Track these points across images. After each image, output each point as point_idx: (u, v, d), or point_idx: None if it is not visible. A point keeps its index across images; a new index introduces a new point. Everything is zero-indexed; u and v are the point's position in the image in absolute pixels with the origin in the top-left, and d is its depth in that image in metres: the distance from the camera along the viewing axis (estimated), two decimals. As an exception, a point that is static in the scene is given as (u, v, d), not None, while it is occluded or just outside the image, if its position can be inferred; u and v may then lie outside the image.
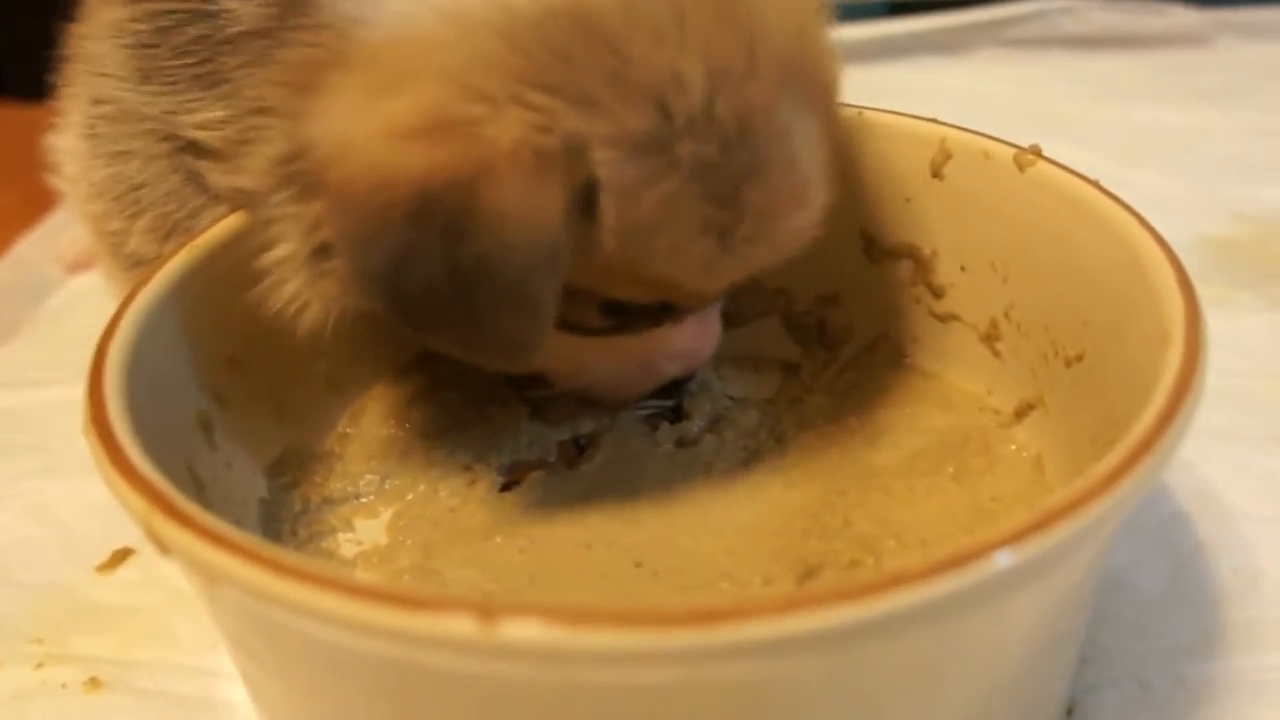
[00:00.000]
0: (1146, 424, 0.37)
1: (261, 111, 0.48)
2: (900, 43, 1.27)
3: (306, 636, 0.34)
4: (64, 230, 1.03)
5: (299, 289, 0.48)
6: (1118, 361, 0.47)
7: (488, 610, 0.29)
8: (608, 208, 0.42)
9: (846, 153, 0.58)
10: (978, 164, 0.56)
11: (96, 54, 0.59)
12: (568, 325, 0.49)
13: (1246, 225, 0.88)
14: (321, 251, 0.46)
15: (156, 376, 0.47)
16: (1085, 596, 0.43)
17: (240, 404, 0.53)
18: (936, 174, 0.57)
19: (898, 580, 0.31)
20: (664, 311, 0.50)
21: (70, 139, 0.63)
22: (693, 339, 0.53)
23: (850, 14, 1.27)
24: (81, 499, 0.67)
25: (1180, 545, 0.57)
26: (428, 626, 0.30)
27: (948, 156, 0.57)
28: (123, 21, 0.56)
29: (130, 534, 0.62)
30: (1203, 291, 0.45)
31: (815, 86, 0.46)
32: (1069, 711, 0.48)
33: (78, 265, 0.97)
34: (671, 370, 0.55)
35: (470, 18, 0.42)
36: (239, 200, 0.52)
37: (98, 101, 0.59)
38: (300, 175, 0.46)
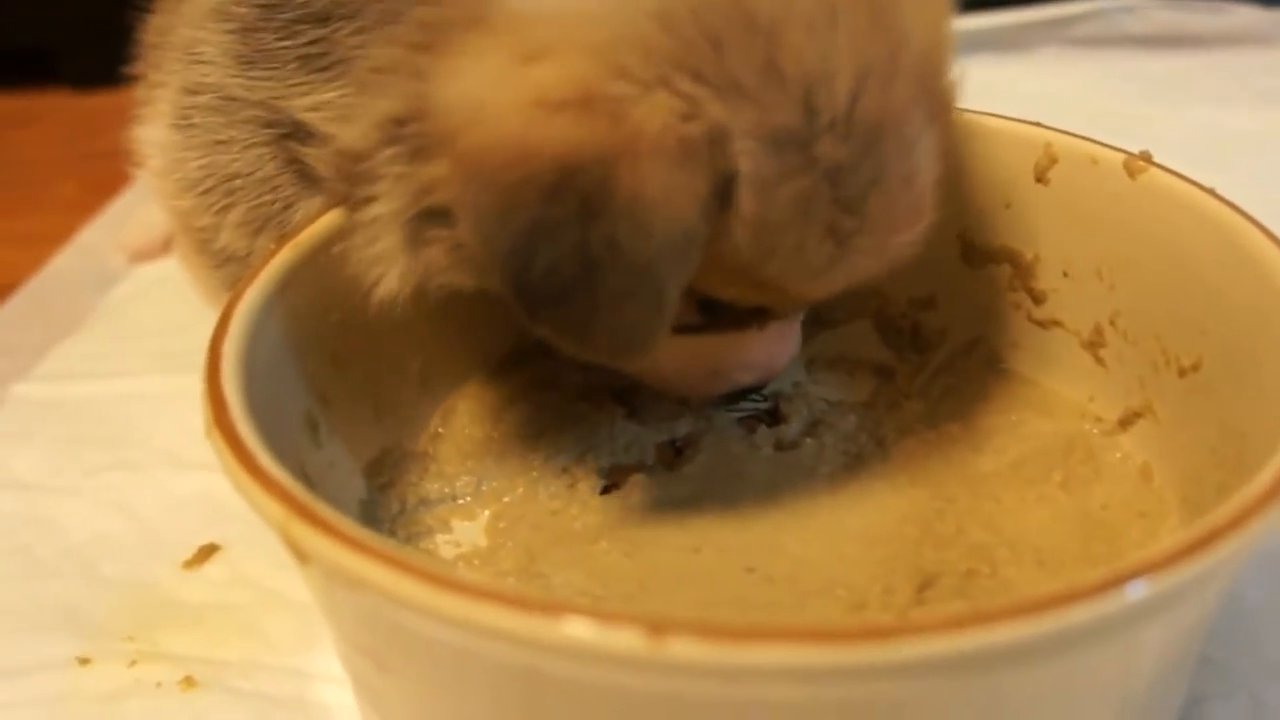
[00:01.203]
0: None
1: (377, 70, 0.48)
2: (964, 40, 1.25)
3: (449, 645, 0.34)
4: (126, 219, 1.04)
5: (388, 250, 0.48)
6: (1240, 374, 0.47)
7: (657, 626, 0.29)
8: (745, 200, 0.42)
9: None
10: (1085, 169, 0.56)
11: (192, 41, 0.59)
12: None
13: (1317, 231, 0.87)
14: (427, 217, 0.46)
15: (267, 375, 0.46)
16: (1209, 620, 0.43)
17: (341, 403, 0.53)
18: (1040, 179, 0.57)
19: (1059, 599, 0.30)
20: (756, 315, 0.51)
21: (158, 130, 0.63)
22: (768, 350, 0.54)
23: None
24: (161, 493, 0.67)
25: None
26: (595, 641, 0.29)
27: (1053, 161, 0.57)
28: (224, 5, 0.56)
29: (214, 530, 0.63)
30: None
31: (942, 98, 0.47)
32: (1181, 722, 0.47)
33: (142, 255, 0.97)
34: (744, 379, 0.55)
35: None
36: (339, 187, 0.52)
37: (193, 91, 0.59)
38: (415, 137, 0.45)
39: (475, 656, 0.33)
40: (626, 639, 0.29)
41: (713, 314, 0.50)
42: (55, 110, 1.42)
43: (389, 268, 0.48)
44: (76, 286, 0.94)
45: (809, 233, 0.44)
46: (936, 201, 0.48)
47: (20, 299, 0.92)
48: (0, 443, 0.73)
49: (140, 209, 1.02)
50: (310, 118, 0.51)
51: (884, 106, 0.43)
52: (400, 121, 0.46)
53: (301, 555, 0.35)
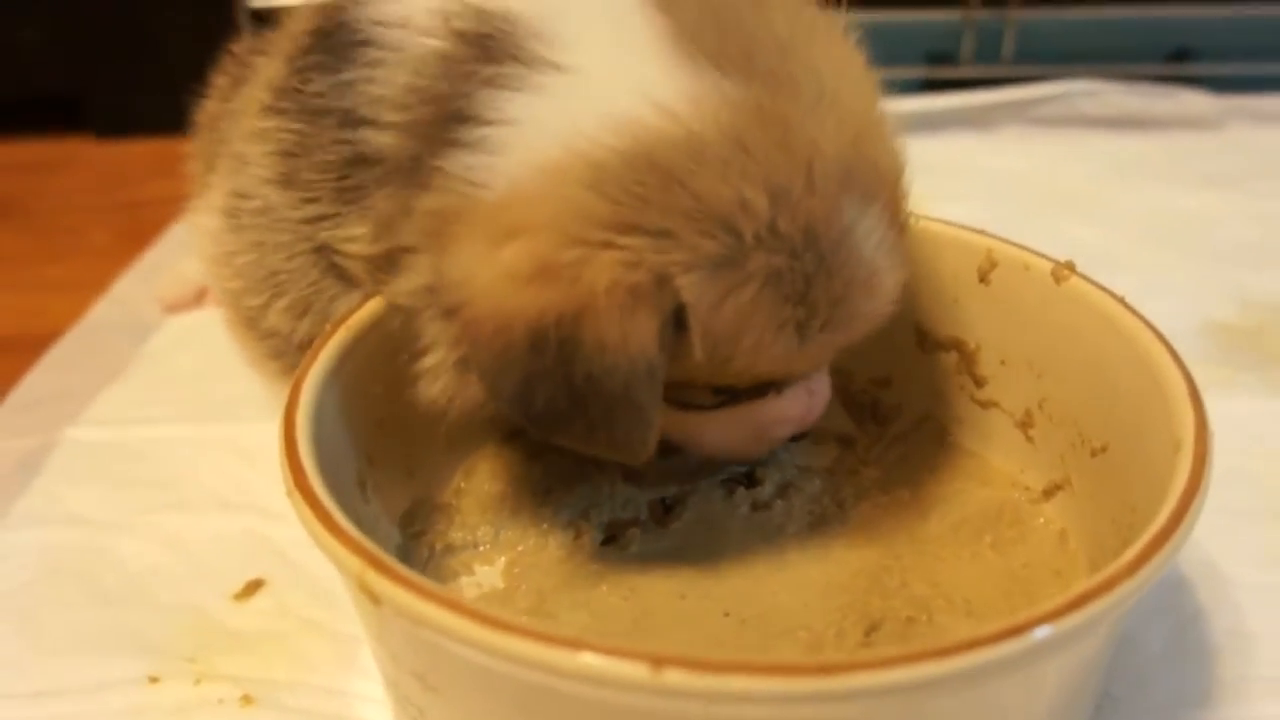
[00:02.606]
0: (1162, 521, 0.45)
1: (407, 248, 0.56)
2: (933, 118, 1.35)
3: (490, 670, 0.42)
4: (159, 269, 1.10)
5: (449, 386, 0.56)
6: (1136, 458, 0.55)
7: (658, 660, 0.38)
8: (695, 323, 0.49)
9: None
10: (1019, 274, 0.64)
11: (241, 153, 0.65)
12: (685, 405, 0.56)
13: (1251, 311, 0.96)
14: (464, 362, 0.54)
15: (329, 441, 0.55)
16: (1103, 660, 0.51)
17: (383, 462, 0.62)
18: (983, 279, 0.66)
19: (970, 645, 0.40)
20: (769, 385, 0.56)
21: (211, 220, 0.69)
22: (799, 405, 0.59)
23: (886, 90, 1.36)
24: (208, 531, 0.75)
25: (1182, 608, 0.65)
26: (610, 670, 0.39)
27: (993, 265, 0.65)
28: (269, 130, 0.63)
29: (257, 566, 0.71)
30: (1208, 374, 0.53)
31: (876, 181, 0.51)
32: (1085, 752, 0.56)
33: (176, 306, 1.04)
34: (785, 432, 0.60)
35: (564, 173, 0.48)
36: (376, 288, 0.60)
37: (241, 194, 0.65)
38: (442, 300, 0.54)
39: (511, 679, 0.42)
40: (635, 669, 0.38)
41: (730, 393, 0.56)
42: (82, 157, 1.48)
43: (434, 381, 0.56)
44: (115, 335, 1.01)
45: (762, 332, 0.49)
46: (899, 265, 0.53)
47: (63, 347, 0.99)
48: (58, 482, 0.80)
49: (173, 262, 1.09)
50: (344, 246, 0.59)
51: (807, 213, 0.48)
52: (431, 289, 0.54)
53: (374, 599, 0.44)
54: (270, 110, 0.63)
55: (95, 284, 1.11)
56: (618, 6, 0.53)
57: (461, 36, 0.54)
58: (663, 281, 0.48)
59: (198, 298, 1.04)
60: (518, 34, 0.53)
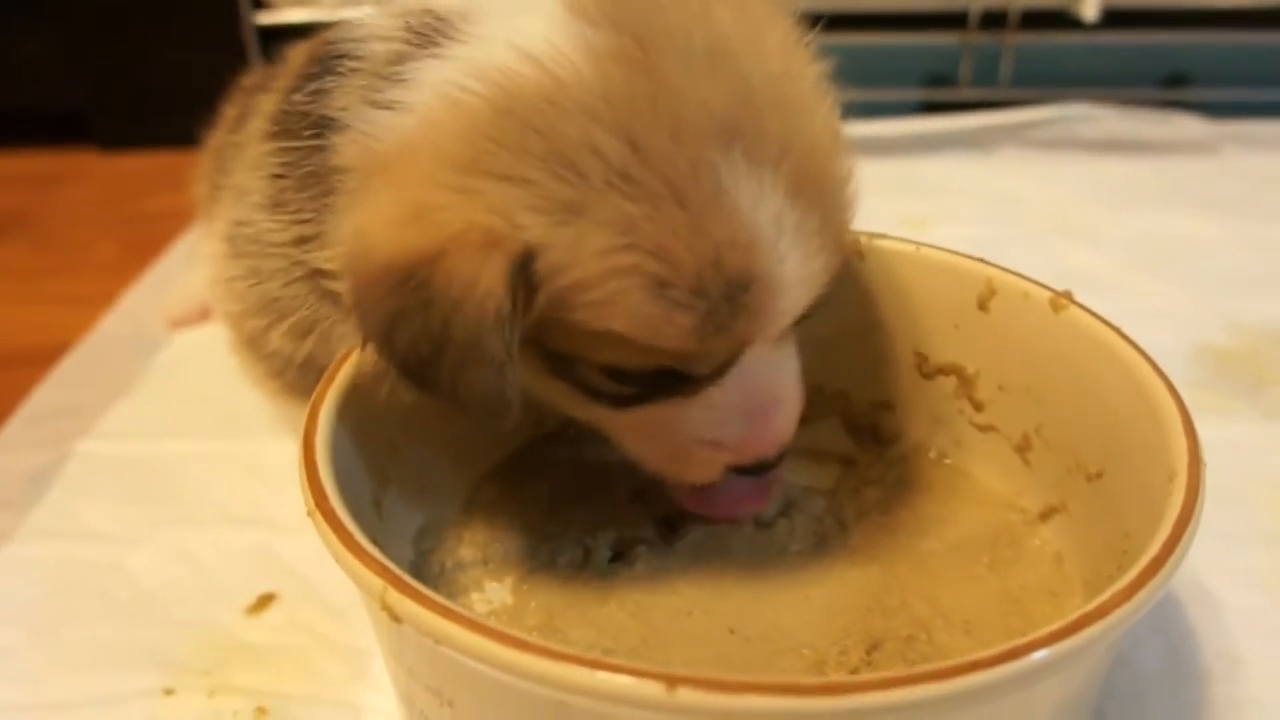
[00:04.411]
0: (1156, 549, 0.47)
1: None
2: (931, 139, 1.37)
3: (508, 687, 0.44)
4: (165, 284, 1.12)
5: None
6: (1131, 485, 0.57)
7: (672, 679, 0.40)
8: (543, 268, 0.48)
9: (904, 280, 0.69)
10: (1018, 302, 0.65)
11: (240, 181, 0.67)
12: (593, 393, 0.55)
13: (1243, 336, 0.97)
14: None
15: (345, 462, 0.56)
16: (1098, 680, 0.53)
17: (396, 482, 0.63)
18: (982, 307, 0.67)
19: (971, 667, 0.41)
20: (672, 379, 0.53)
21: (214, 246, 0.72)
22: (732, 426, 0.55)
23: (886, 111, 1.39)
24: (220, 546, 0.77)
25: (1173, 629, 0.67)
26: (626, 689, 0.40)
27: (993, 293, 0.66)
28: (263, 155, 0.64)
29: (269, 580, 0.72)
30: (1201, 399, 0.55)
31: (769, 149, 0.49)
32: (1079, 769, 0.58)
33: (181, 322, 1.06)
34: (712, 460, 0.56)
35: (439, 124, 0.49)
36: None
37: (239, 223, 0.67)
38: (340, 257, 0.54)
39: (528, 696, 0.43)
40: (651, 688, 0.40)
41: (627, 381, 0.53)
42: (87, 171, 1.51)
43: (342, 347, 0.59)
44: (124, 350, 1.03)
45: (618, 281, 0.47)
46: (815, 245, 0.50)
47: (72, 361, 1.01)
48: (70, 495, 0.82)
49: (178, 277, 1.11)
50: (327, 266, 0.60)
51: (669, 160, 0.47)
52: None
53: (395, 617, 0.45)
54: (266, 136, 0.65)
55: (102, 298, 1.13)
56: None
57: (415, 34, 0.55)
58: (512, 225, 0.47)
59: (203, 314, 1.06)
60: (453, 19, 0.54)
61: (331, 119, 0.57)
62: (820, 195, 0.50)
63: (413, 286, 0.48)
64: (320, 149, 0.57)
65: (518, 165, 0.47)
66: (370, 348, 0.52)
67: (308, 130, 0.59)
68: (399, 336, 0.49)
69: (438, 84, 0.51)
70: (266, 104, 0.68)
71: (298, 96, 0.61)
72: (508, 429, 0.52)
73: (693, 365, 0.52)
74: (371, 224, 0.51)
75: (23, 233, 1.33)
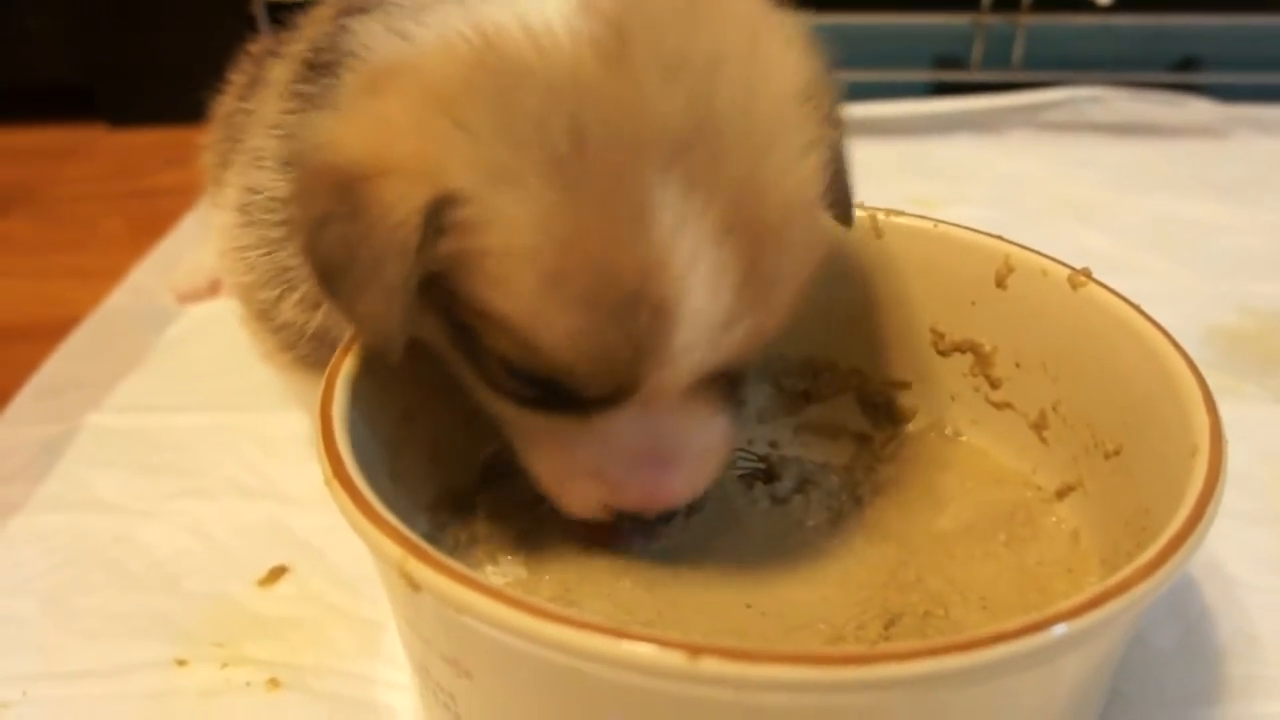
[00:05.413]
0: (1179, 525, 0.47)
1: None
2: (942, 121, 1.36)
3: (531, 659, 0.43)
4: (174, 259, 1.12)
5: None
6: (1151, 462, 0.56)
7: (695, 649, 0.39)
8: (452, 220, 0.48)
9: (920, 257, 0.68)
10: (1036, 279, 0.65)
11: (254, 146, 0.67)
12: (494, 383, 0.54)
13: (1253, 318, 0.98)
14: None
15: (360, 434, 0.55)
16: (1117, 656, 0.53)
17: (411, 454, 0.63)
18: (1000, 284, 0.67)
19: (993, 639, 0.41)
20: (564, 394, 0.51)
21: (226, 216, 0.71)
22: (620, 466, 0.54)
23: (897, 92, 1.38)
24: (230, 518, 0.77)
25: (1189, 609, 0.67)
26: (650, 658, 0.40)
27: (1010, 270, 0.66)
28: (278, 114, 0.65)
29: (280, 553, 0.72)
30: (1211, 380, 0.54)
31: (713, 176, 0.47)
32: (1094, 747, 0.58)
33: (190, 297, 1.06)
34: (592, 492, 0.55)
35: (429, 58, 0.50)
36: None
37: (252, 190, 0.66)
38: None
39: (547, 665, 0.43)
40: (673, 657, 0.40)
41: (524, 383, 0.52)
42: (94, 146, 1.50)
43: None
44: (133, 324, 1.03)
45: (514, 262, 0.47)
46: (727, 282, 0.48)
47: (82, 335, 1.01)
48: (82, 466, 0.82)
49: (187, 252, 1.10)
50: None
51: (604, 161, 0.46)
52: None
53: (413, 585, 0.45)
54: (285, 95, 0.64)
55: (110, 272, 1.13)
56: None
57: None
58: (446, 168, 0.48)
59: (211, 288, 1.06)
60: None
61: (354, 55, 0.57)
62: (758, 240, 0.48)
63: (346, 194, 0.49)
64: (336, 87, 0.57)
65: (474, 117, 0.47)
66: (299, 242, 0.53)
67: (329, 70, 0.59)
68: (323, 239, 0.50)
69: (445, 24, 0.51)
70: (281, 68, 0.67)
71: (324, 43, 0.61)
72: (393, 364, 0.52)
73: (581, 384, 0.50)
74: (336, 125, 0.52)
75: (30, 208, 1.33)
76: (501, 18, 0.50)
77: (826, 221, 0.55)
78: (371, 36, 0.56)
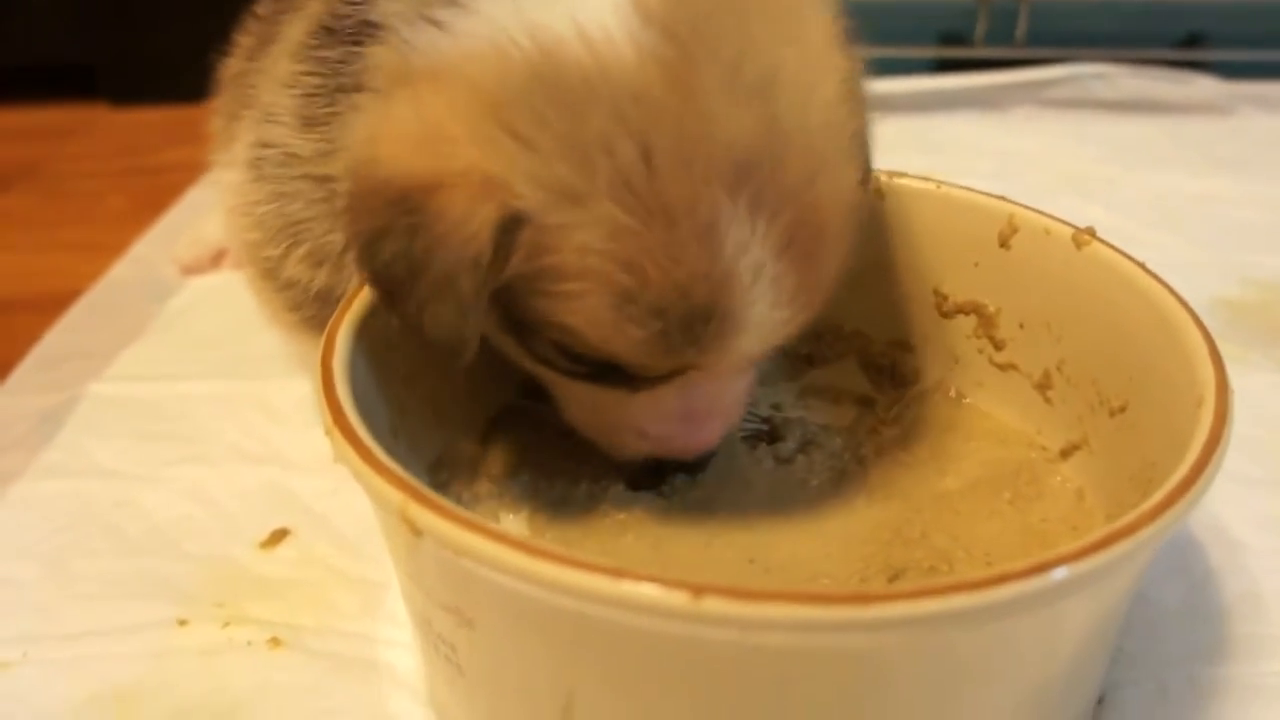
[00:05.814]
0: (1184, 471, 0.46)
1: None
2: (945, 97, 1.36)
3: (534, 603, 0.43)
4: (176, 232, 1.11)
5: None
6: (1156, 416, 0.56)
7: (698, 588, 0.39)
8: (522, 240, 0.48)
9: (924, 218, 0.68)
10: (1040, 239, 0.65)
11: (270, 104, 0.67)
12: (543, 360, 0.56)
13: (1256, 289, 0.98)
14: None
15: (361, 389, 0.55)
16: (1122, 609, 0.53)
17: (413, 413, 0.62)
18: (1004, 244, 0.67)
19: (999, 579, 0.41)
20: (617, 374, 0.54)
21: (234, 174, 0.71)
22: (664, 425, 0.57)
23: (900, 68, 1.38)
24: (231, 483, 0.76)
25: (1193, 569, 0.67)
26: (652, 598, 0.40)
27: (1014, 230, 0.66)
28: (296, 74, 0.64)
29: (280, 517, 0.72)
30: None
31: (776, 196, 0.49)
32: (1100, 701, 0.58)
33: (192, 269, 1.06)
34: (637, 444, 0.59)
35: (480, 63, 0.49)
36: None
37: (264, 145, 0.66)
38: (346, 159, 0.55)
39: (550, 609, 0.43)
40: (676, 597, 0.40)
41: (577, 362, 0.54)
42: (97, 124, 1.50)
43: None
44: (135, 295, 1.03)
45: (584, 282, 0.48)
46: (784, 298, 0.51)
47: (84, 306, 1.01)
48: (83, 435, 0.82)
49: (190, 225, 1.10)
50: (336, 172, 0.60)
51: (673, 183, 0.47)
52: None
53: (415, 530, 0.45)
54: (302, 52, 0.64)
55: (113, 246, 1.13)
56: None
57: None
58: (512, 186, 0.48)
59: (214, 260, 1.06)
60: None
61: (376, 25, 0.57)
62: (813, 252, 0.51)
63: (406, 208, 0.49)
64: (359, 56, 0.58)
65: (536, 133, 0.47)
66: (352, 253, 0.53)
67: (350, 37, 0.59)
68: (381, 251, 0.50)
69: (492, 22, 0.51)
70: (295, 27, 0.67)
71: (343, 9, 0.61)
72: (460, 367, 0.52)
73: (640, 370, 0.53)
74: (384, 134, 0.51)
75: (34, 184, 1.32)
76: (556, 23, 0.49)
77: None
78: (398, 17, 0.55)
